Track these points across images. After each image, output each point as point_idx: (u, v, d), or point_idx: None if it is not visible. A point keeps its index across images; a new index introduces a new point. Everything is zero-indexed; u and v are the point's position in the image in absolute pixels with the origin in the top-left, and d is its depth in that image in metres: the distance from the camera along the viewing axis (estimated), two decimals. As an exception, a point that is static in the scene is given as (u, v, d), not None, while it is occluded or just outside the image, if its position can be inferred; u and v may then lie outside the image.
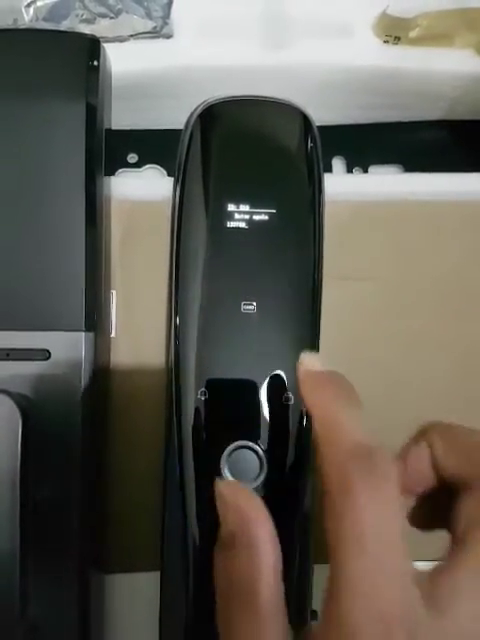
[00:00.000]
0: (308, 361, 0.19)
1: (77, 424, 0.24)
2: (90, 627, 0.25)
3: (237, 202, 0.25)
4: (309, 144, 0.26)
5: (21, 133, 0.24)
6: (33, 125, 0.24)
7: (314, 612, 0.26)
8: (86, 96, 0.24)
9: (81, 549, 0.24)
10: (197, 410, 0.24)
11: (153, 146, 0.35)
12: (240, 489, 0.18)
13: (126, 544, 0.28)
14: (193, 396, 0.24)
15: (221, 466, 0.23)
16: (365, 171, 0.35)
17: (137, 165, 0.35)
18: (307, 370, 0.19)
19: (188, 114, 0.28)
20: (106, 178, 0.27)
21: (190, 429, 0.24)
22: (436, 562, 0.16)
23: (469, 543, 0.16)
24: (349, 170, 0.35)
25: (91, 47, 0.25)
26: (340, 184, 0.30)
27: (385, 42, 0.32)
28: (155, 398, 0.28)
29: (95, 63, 0.25)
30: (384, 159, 0.35)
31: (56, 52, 0.24)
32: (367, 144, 0.35)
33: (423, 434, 0.18)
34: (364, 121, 0.36)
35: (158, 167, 0.35)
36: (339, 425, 0.16)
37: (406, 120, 0.36)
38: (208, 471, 0.24)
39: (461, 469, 0.17)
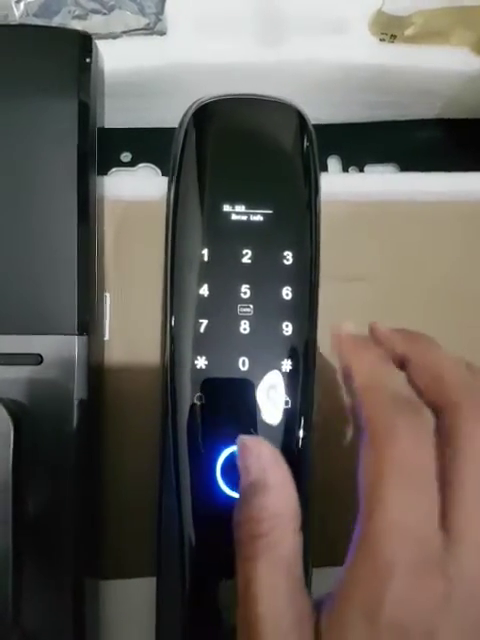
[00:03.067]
0: (345, 326, 0.20)
1: (70, 430, 0.24)
2: (85, 633, 0.24)
3: (233, 202, 0.24)
4: (305, 143, 0.25)
5: (10, 132, 0.24)
6: (23, 123, 0.24)
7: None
8: (78, 94, 0.24)
9: (75, 555, 0.24)
10: (193, 414, 0.24)
11: (147, 145, 0.34)
12: (262, 441, 0.18)
13: (121, 549, 0.28)
14: (189, 400, 0.24)
15: (217, 471, 0.23)
16: (361, 170, 0.35)
17: (131, 164, 0.34)
18: (348, 333, 0.20)
19: (182, 112, 0.28)
20: (99, 177, 0.27)
21: (186, 434, 0.24)
22: None
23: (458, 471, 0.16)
24: (345, 169, 0.35)
25: (83, 44, 0.24)
26: (336, 184, 0.30)
27: (381, 40, 0.32)
28: (150, 402, 0.27)
29: (87, 60, 0.24)
30: (379, 158, 0.35)
31: (47, 49, 0.24)
32: (362, 143, 0.35)
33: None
34: (359, 120, 0.36)
35: (152, 166, 0.34)
36: (383, 375, 0.17)
37: (402, 119, 0.35)
38: (204, 476, 0.23)
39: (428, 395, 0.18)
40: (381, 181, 0.31)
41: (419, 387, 0.18)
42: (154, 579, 0.26)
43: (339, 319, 0.28)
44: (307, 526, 0.18)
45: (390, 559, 0.15)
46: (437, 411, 0.17)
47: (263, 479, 0.17)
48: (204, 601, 0.24)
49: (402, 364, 0.19)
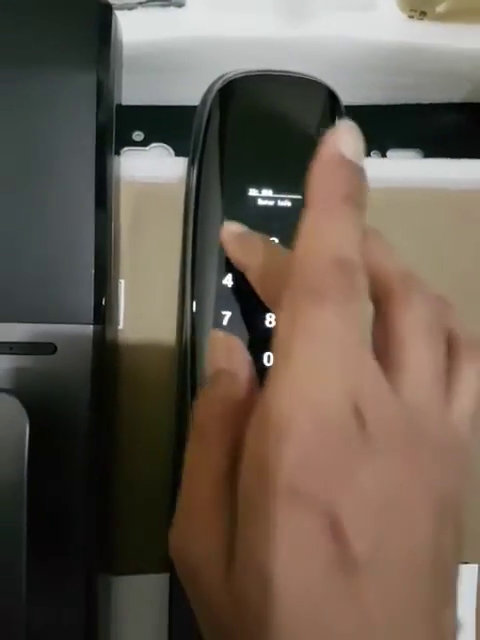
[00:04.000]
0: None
1: (84, 422, 0.23)
2: (97, 629, 0.24)
3: (259, 186, 0.23)
4: (337, 122, 0.24)
5: (26, 109, 0.22)
6: (39, 99, 0.22)
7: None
8: (97, 67, 0.22)
9: (88, 550, 0.23)
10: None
11: (160, 123, 0.33)
12: (233, 337, 0.19)
13: (133, 545, 0.27)
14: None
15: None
16: (383, 155, 0.34)
17: (143, 143, 0.33)
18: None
19: (199, 89, 0.26)
20: (115, 158, 0.25)
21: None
22: None
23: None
24: (366, 153, 0.33)
25: (103, 13, 0.23)
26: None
27: (410, 17, 0.30)
28: (165, 393, 0.26)
29: (107, 31, 0.23)
30: (403, 142, 0.34)
31: (65, 18, 0.22)
32: (385, 126, 0.34)
33: None
34: (382, 101, 0.34)
35: (165, 146, 0.33)
36: (329, 230, 0.15)
37: (427, 102, 0.34)
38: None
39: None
40: (405, 167, 0.30)
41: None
42: (165, 575, 0.26)
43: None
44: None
45: (288, 416, 0.14)
46: (376, 300, 0.16)
47: (228, 370, 0.18)
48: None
49: None
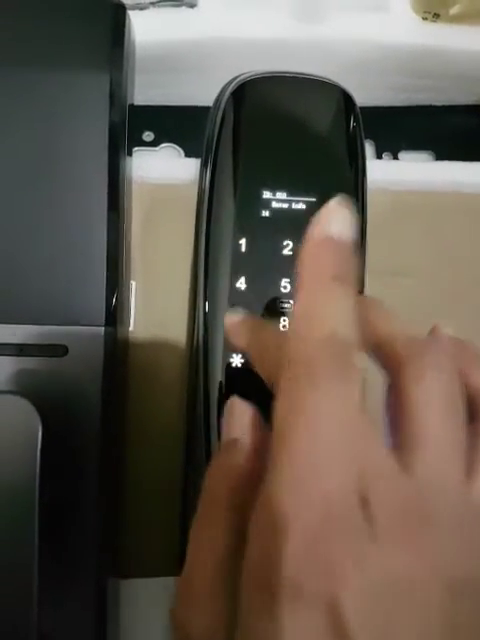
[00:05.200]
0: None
1: (95, 425, 0.23)
2: (106, 632, 0.23)
3: (273, 189, 0.23)
4: (352, 126, 0.24)
5: (41, 108, 0.22)
6: (53, 99, 0.22)
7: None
8: (111, 66, 0.22)
9: (98, 553, 0.23)
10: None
11: (170, 123, 0.33)
12: (250, 405, 0.18)
13: (142, 548, 0.27)
14: (224, 398, 0.22)
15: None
16: (395, 157, 0.33)
17: (153, 143, 0.33)
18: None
19: (210, 90, 0.26)
20: (128, 158, 0.25)
21: (217, 432, 0.23)
22: None
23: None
24: (378, 155, 0.33)
25: (117, 13, 0.23)
26: (372, 171, 0.28)
27: (423, 19, 0.30)
28: (175, 395, 0.26)
29: (121, 31, 0.22)
30: (415, 144, 0.33)
31: (80, 18, 0.22)
32: (397, 128, 0.33)
33: None
34: (394, 103, 0.34)
35: (175, 146, 0.33)
36: (320, 309, 0.15)
37: (439, 104, 0.34)
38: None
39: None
40: (417, 169, 0.30)
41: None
42: (175, 579, 0.25)
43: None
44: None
45: (289, 513, 0.13)
46: (387, 370, 0.16)
47: (244, 441, 0.17)
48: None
49: None
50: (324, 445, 0.13)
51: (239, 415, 0.18)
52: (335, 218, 0.16)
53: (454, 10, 0.30)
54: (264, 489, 0.14)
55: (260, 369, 0.18)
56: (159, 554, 0.27)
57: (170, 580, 0.26)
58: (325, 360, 0.14)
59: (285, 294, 0.22)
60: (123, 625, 0.26)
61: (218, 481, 0.17)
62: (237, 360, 0.22)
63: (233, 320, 0.20)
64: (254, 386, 0.22)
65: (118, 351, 0.23)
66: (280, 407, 0.14)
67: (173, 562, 0.26)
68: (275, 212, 0.23)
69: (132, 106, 0.29)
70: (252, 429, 0.17)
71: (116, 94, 0.22)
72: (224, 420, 0.18)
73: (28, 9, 0.22)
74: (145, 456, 0.26)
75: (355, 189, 0.23)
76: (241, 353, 0.19)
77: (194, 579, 0.16)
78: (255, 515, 0.14)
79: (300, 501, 0.13)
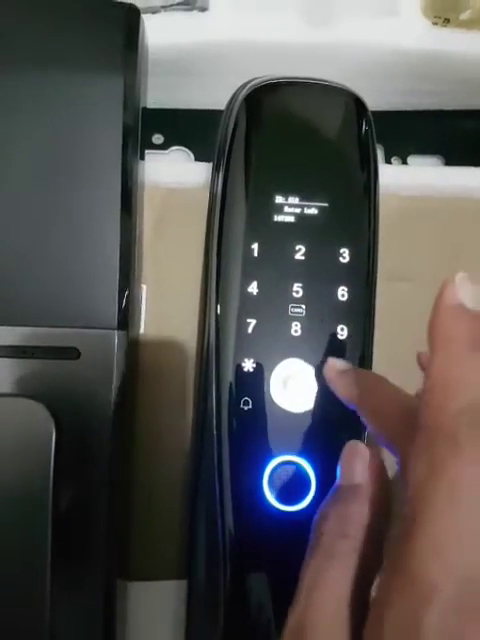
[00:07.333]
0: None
1: (107, 428, 0.23)
2: (114, 635, 0.24)
3: (285, 194, 0.23)
4: (364, 132, 0.24)
5: (55, 111, 0.22)
6: (67, 102, 0.22)
7: None
8: (124, 70, 0.22)
9: (107, 556, 0.23)
10: (238, 418, 0.22)
11: (180, 127, 0.33)
12: (374, 453, 0.18)
13: (149, 551, 0.27)
14: (234, 405, 0.22)
15: (263, 484, 0.22)
16: (404, 161, 0.33)
17: (162, 146, 0.33)
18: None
19: (220, 93, 0.26)
20: (140, 162, 0.25)
21: (228, 440, 0.22)
22: None
23: None
24: (387, 160, 0.33)
25: (130, 17, 0.23)
26: (381, 175, 0.28)
27: (434, 23, 0.30)
28: (185, 401, 0.26)
29: (135, 35, 0.23)
30: (424, 149, 0.33)
31: (94, 21, 0.22)
32: (406, 133, 0.33)
33: None
34: (404, 108, 0.34)
35: (185, 150, 0.33)
36: (459, 377, 0.15)
37: (449, 108, 0.34)
38: (247, 489, 0.22)
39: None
40: (426, 174, 0.30)
41: None
42: (181, 582, 0.25)
43: (382, 322, 0.27)
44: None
45: (432, 582, 0.13)
46: None
47: (366, 488, 0.17)
48: (241, 609, 0.24)
49: None
50: (468, 518, 0.14)
51: (362, 460, 0.18)
52: (465, 288, 0.16)
53: (465, 15, 0.30)
54: (398, 552, 0.14)
55: (376, 423, 0.18)
56: (167, 557, 0.27)
57: (179, 583, 0.26)
58: (465, 429, 0.14)
59: (297, 299, 0.22)
60: (130, 626, 0.26)
61: (336, 527, 0.17)
62: (249, 365, 0.22)
63: (336, 368, 0.20)
64: (263, 391, 0.22)
65: (130, 354, 0.24)
66: (419, 470, 0.14)
67: (180, 565, 0.26)
68: (287, 217, 0.23)
69: (143, 109, 0.29)
70: (376, 478, 0.17)
71: (130, 97, 0.22)
72: (343, 462, 0.18)
73: (42, 13, 0.22)
74: (154, 459, 0.27)
75: (367, 194, 0.23)
76: (348, 404, 0.19)
77: (308, 623, 0.16)
78: (389, 579, 0.14)
79: (443, 574, 0.13)
